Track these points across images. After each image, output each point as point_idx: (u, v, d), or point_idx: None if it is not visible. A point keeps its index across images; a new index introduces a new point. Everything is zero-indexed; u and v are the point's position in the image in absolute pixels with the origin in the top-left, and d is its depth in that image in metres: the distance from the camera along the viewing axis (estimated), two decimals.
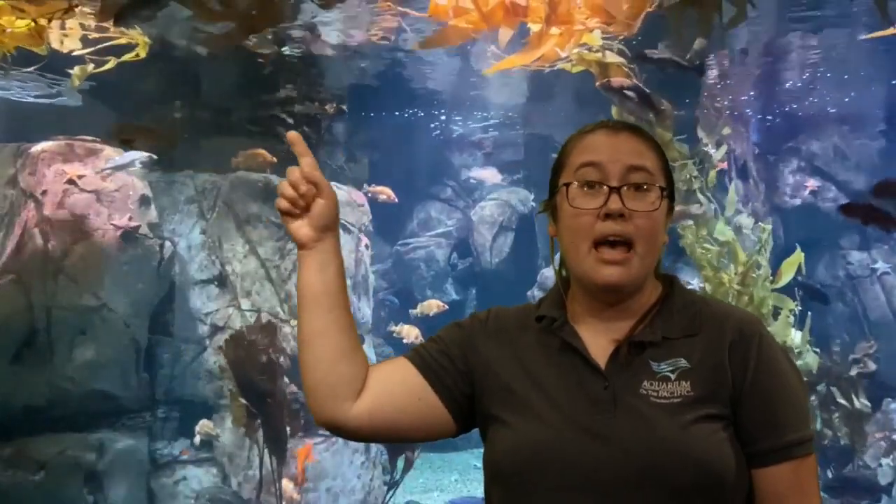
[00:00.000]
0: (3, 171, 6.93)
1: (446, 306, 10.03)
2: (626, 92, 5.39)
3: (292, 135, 1.73)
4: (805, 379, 6.07)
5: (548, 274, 9.87)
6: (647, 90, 5.48)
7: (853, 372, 6.42)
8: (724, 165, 6.81)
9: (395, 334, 9.15)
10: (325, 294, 1.68)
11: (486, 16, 4.27)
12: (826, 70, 9.35)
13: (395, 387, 1.69)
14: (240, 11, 4.16)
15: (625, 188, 1.59)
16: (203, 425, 7.00)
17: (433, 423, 1.71)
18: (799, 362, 6.20)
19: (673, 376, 1.56)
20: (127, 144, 6.28)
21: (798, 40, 8.24)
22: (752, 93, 10.21)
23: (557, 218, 1.67)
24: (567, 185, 1.63)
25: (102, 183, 6.77)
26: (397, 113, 11.07)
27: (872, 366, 6.68)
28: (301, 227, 1.69)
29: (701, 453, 1.50)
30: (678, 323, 1.63)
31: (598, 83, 5.49)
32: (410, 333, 9.00)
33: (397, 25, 7.05)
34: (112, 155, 6.89)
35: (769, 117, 11.04)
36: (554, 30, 4.45)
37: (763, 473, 1.56)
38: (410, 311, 10.04)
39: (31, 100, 7.47)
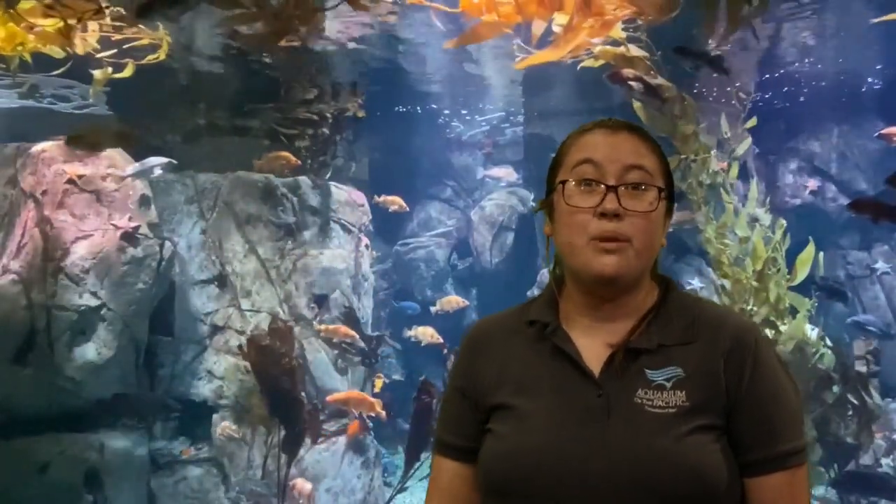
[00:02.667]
0: (3, 171, 6.92)
1: (466, 303, 10.04)
2: (631, 82, 5.37)
3: None
4: (819, 378, 6.07)
5: (548, 274, 9.88)
6: (653, 81, 5.45)
7: (861, 369, 6.41)
8: (725, 165, 6.78)
9: (412, 339, 9.17)
10: None
11: (520, 7, 4.22)
12: (827, 70, 9.36)
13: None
14: (273, 11, 4.12)
15: (622, 188, 1.57)
16: (224, 427, 6.99)
17: None
18: (814, 359, 6.21)
19: (668, 385, 1.54)
20: (93, 149, 6.20)
21: (798, 40, 8.24)
22: (752, 91, 10.20)
23: (554, 216, 1.65)
24: (563, 182, 1.61)
25: (102, 183, 6.76)
26: (398, 112, 11.07)
27: (875, 366, 6.67)
28: None
29: (694, 464, 1.49)
30: (675, 329, 1.60)
31: (605, 74, 5.47)
32: (426, 334, 9.03)
33: (405, 23, 7.04)
34: (114, 156, 6.88)
35: (770, 116, 11.02)
36: (585, 23, 4.40)
37: (756, 482, 1.55)
38: (431, 307, 10.12)
39: (71, 111, 7.45)
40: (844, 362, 6.30)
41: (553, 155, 1.71)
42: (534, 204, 11.48)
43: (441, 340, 8.88)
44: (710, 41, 6.01)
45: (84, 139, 5.94)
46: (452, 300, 10.06)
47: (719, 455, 1.52)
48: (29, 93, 7.27)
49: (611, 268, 1.55)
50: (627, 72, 5.32)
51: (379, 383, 8.16)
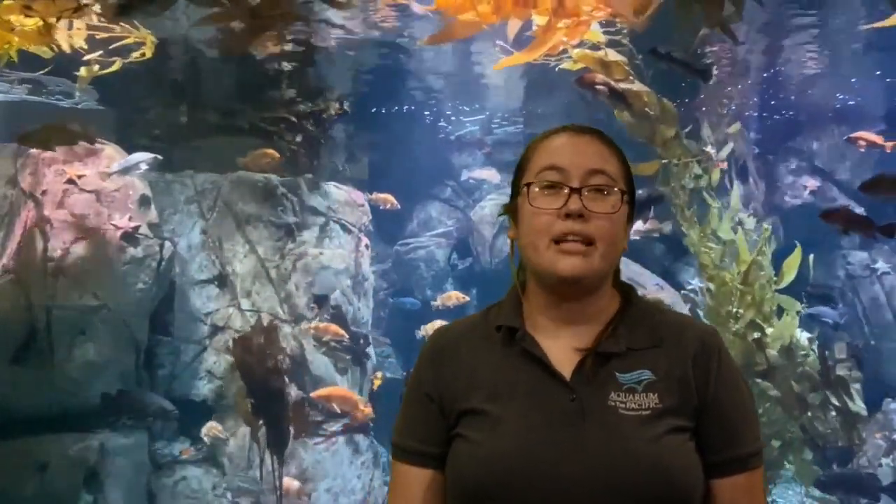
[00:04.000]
0: (3, 171, 6.93)
1: (467, 298, 10.11)
2: (598, 87, 5.40)
3: None
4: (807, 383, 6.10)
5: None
6: (626, 86, 5.48)
7: (841, 372, 6.41)
8: (724, 165, 6.79)
9: (426, 338, 9.24)
10: None
11: (497, 6, 4.23)
12: (826, 70, 9.35)
13: (438, 499, 1.66)
14: (250, 10, 4.12)
15: (585, 190, 1.60)
16: (210, 427, 6.98)
17: None
18: (804, 362, 6.23)
19: (639, 388, 1.56)
20: (42, 146, 6.18)
21: (798, 39, 8.24)
22: (751, 92, 10.20)
23: (518, 220, 1.67)
24: (528, 185, 1.64)
25: (102, 183, 6.77)
26: (397, 112, 11.06)
27: (857, 373, 6.65)
28: None
29: (670, 465, 1.51)
30: (641, 334, 1.63)
31: (573, 79, 5.51)
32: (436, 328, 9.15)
33: (399, 23, 7.04)
34: (113, 155, 6.89)
35: (769, 117, 11.03)
36: (560, 23, 4.41)
37: (721, 483, 1.59)
38: (432, 303, 10.20)
39: (65, 105, 7.45)
40: (826, 365, 6.30)
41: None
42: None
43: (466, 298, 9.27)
44: (696, 46, 6.03)
45: (34, 137, 5.93)
46: (452, 295, 10.16)
47: (694, 456, 1.56)
48: (35, 89, 7.29)
49: (575, 269, 1.58)
50: (595, 77, 5.35)
51: (377, 382, 8.17)
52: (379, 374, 8.45)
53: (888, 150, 8.61)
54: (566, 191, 1.60)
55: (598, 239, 1.59)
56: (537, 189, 1.63)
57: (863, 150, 8.52)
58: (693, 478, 1.54)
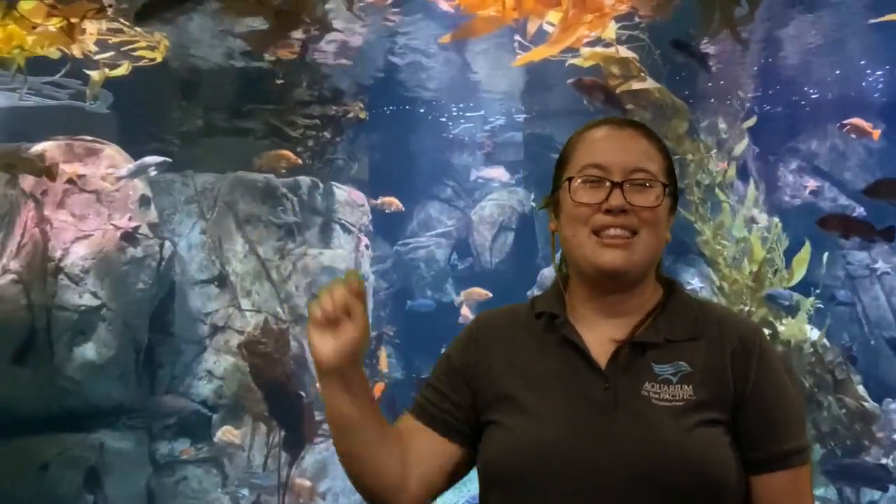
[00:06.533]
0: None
1: (489, 294, 10.18)
2: (593, 93, 5.40)
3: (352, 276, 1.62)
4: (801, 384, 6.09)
5: (548, 274, 9.90)
6: (615, 91, 5.48)
7: (839, 375, 6.39)
8: (725, 165, 6.78)
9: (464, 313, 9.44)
10: (354, 418, 1.65)
11: (518, 3, 4.22)
12: (827, 70, 9.35)
13: (430, 460, 1.68)
14: (274, 7, 4.12)
15: (627, 184, 1.59)
16: (226, 431, 6.97)
17: (462, 465, 1.72)
18: (813, 360, 6.22)
19: (675, 379, 1.55)
20: (8, 171, 6.18)
21: (799, 39, 8.23)
22: (751, 92, 10.20)
23: (559, 212, 1.67)
24: (570, 179, 1.63)
25: (102, 183, 6.77)
26: (398, 112, 11.06)
27: (856, 377, 6.62)
28: (325, 344, 1.59)
29: (703, 458, 1.50)
30: (680, 325, 1.62)
31: (569, 81, 5.51)
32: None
33: (400, 23, 7.04)
34: (114, 155, 6.88)
35: (770, 117, 11.02)
36: (583, 17, 4.40)
37: (761, 480, 1.57)
38: (455, 298, 10.26)
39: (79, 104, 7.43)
40: (823, 364, 6.30)
41: (554, 156, 1.73)
42: (534, 204, 11.49)
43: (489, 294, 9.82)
44: (705, 40, 6.02)
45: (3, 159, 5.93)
46: (474, 291, 10.26)
47: (728, 449, 1.53)
48: (38, 91, 7.29)
49: (616, 262, 1.58)
50: (591, 81, 5.37)
51: (379, 386, 8.16)
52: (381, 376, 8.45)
53: (875, 139, 8.67)
54: (608, 185, 1.59)
55: (641, 230, 1.59)
56: (579, 183, 1.62)
57: (854, 136, 8.55)
58: (724, 470, 1.51)
